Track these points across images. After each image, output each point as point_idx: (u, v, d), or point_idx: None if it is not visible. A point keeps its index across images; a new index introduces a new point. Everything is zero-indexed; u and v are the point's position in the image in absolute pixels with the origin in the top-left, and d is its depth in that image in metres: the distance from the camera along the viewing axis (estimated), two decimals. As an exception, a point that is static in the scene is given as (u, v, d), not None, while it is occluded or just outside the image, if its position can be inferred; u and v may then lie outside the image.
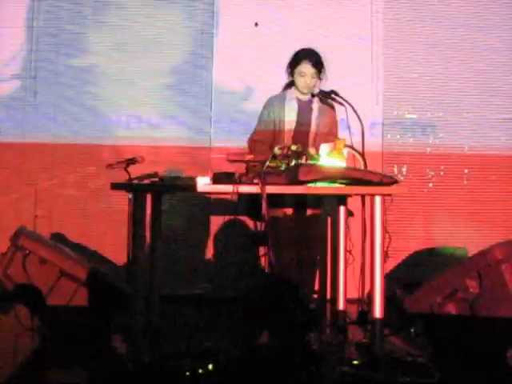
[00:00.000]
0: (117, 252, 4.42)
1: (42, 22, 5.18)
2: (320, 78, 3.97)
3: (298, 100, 4.01)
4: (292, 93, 4.01)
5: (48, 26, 5.19)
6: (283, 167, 3.20)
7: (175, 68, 5.19)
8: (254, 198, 3.24)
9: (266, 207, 3.07)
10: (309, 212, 4.04)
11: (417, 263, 4.99)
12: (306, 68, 3.92)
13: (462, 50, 5.25)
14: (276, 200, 3.58)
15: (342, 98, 3.82)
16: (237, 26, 5.17)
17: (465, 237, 5.10)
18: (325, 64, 3.94)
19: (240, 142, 4.18)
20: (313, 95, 4.00)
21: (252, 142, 3.99)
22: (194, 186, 3.05)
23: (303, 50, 3.99)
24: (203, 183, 3.06)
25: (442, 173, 5.19)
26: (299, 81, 3.96)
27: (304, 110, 3.99)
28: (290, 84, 4.03)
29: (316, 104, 4.01)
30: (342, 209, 3.96)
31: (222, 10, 5.19)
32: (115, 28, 5.19)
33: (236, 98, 5.16)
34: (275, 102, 4.00)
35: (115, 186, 3.64)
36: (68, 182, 5.08)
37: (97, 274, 4.02)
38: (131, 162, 4.01)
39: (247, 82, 5.14)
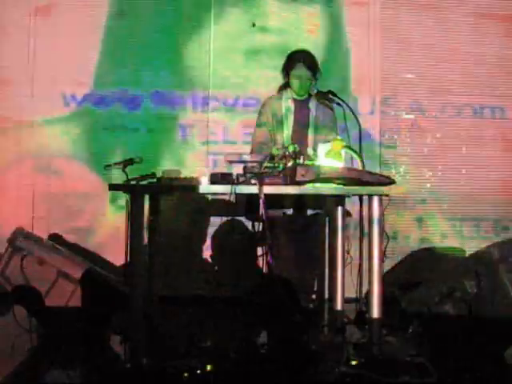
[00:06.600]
0: (115, 253, 4.42)
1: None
2: (315, 79, 3.97)
3: (294, 100, 4.01)
4: (288, 93, 4.02)
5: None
6: (281, 168, 3.20)
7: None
8: (251, 200, 3.25)
9: (264, 207, 3.07)
10: (307, 212, 4.04)
11: (414, 263, 4.99)
12: (301, 71, 3.92)
13: (461, 50, 5.25)
14: (274, 201, 3.59)
15: (339, 98, 3.83)
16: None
17: (462, 237, 5.11)
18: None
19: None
20: (309, 94, 4.00)
21: (255, 144, 3.99)
22: (195, 187, 3.06)
23: (298, 52, 3.99)
24: (205, 184, 3.08)
25: (439, 173, 5.19)
26: (294, 84, 3.96)
27: (301, 109, 4.00)
28: (285, 85, 4.03)
29: (313, 103, 4.01)
30: (339, 209, 3.96)
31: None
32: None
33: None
34: (272, 103, 4.01)
35: (113, 187, 3.65)
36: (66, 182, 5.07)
37: (95, 274, 4.01)
38: (129, 162, 4.01)
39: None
